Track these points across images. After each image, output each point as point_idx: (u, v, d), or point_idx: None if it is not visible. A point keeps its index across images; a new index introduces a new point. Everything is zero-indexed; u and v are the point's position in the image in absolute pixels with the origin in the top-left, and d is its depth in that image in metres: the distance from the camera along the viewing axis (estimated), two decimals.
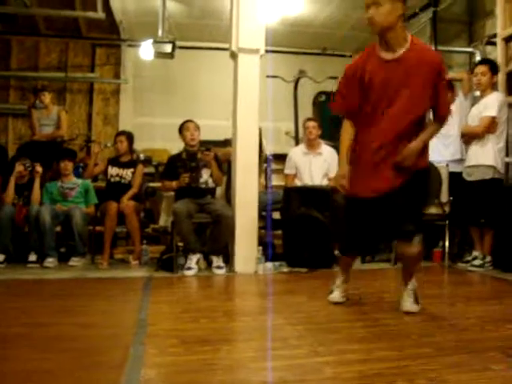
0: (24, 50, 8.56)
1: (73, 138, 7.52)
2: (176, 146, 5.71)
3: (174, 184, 5.18)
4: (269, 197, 5.46)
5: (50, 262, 5.17)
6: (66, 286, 4.27)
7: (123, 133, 5.95)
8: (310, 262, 4.98)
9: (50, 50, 8.62)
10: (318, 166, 5.67)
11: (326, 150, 5.74)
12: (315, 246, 5.05)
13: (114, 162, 5.78)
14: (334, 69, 7.74)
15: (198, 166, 5.18)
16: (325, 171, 5.64)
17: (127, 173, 5.67)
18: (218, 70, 7.46)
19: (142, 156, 7.28)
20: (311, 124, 5.75)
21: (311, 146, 5.75)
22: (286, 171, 5.82)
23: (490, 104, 5.00)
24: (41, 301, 3.62)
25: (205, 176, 5.19)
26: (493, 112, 4.95)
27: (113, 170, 5.70)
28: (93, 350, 2.38)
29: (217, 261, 4.88)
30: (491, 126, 4.98)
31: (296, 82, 8.33)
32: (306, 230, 5.07)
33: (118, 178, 5.67)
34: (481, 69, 5.15)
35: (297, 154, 5.79)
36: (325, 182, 5.59)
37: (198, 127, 5.31)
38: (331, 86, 8.33)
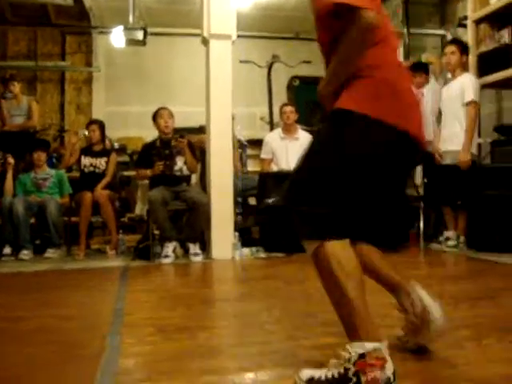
0: None
1: (45, 128, 7.42)
2: (151, 134, 5.67)
3: (148, 172, 5.16)
4: (244, 183, 5.47)
5: (26, 254, 5.12)
6: (43, 279, 4.24)
7: (95, 122, 5.88)
8: (287, 247, 5.00)
9: (18, 38, 8.44)
10: (294, 151, 5.66)
11: (303, 134, 5.77)
12: (292, 231, 5.06)
13: (87, 151, 5.72)
14: (307, 53, 7.74)
15: (172, 154, 5.16)
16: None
17: (101, 162, 5.62)
18: (192, 56, 7.39)
19: (116, 145, 7.22)
20: (288, 109, 5.76)
21: (288, 130, 5.77)
22: (263, 156, 5.83)
23: (467, 88, 5.03)
24: (18, 294, 3.58)
25: (179, 163, 5.18)
26: (472, 96, 4.98)
27: (86, 160, 5.64)
28: (71, 342, 2.37)
29: (193, 248, 4.88)
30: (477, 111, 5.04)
31: (269, 67, 8.30)
32: (281, 216, 5.08)
33: (91, 168, 5.62)
34: (450, 48, 5.19)
35: (274, 139, 5.80)
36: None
37: (171, 114, 5.28)
38: (305, 71, 8.36)
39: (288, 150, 5.69)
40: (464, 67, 5.23)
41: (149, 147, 5.33)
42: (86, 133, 5.69)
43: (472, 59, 5.53)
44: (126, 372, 1.96)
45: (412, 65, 6.07)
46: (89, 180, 5.51)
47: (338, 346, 2.16)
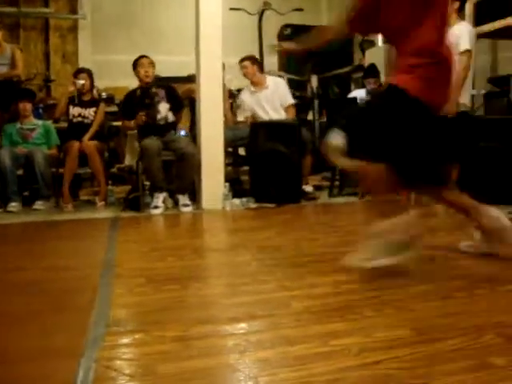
0: None
1: (30, 77, 7.23)
2: (137, 83, 5.54)
3: (132, 123, 5.11)
4: (234, 133, 5.41)
5: (14, 206, 5.05)
6: (32, 230, 4.21)
7: (83, 70, 5.73)
8: (278, 198, 4.98)
9: None
10: (268, 100, 5.62)
11: (271, 81, 5.72)
12: (282, 181, 5.05)
13: (75, 101, 5.59)
14: (299, 0, 7.56)
15: (153, 103, 5.08)
16: (278, 103, 5.61)
17: (90, 112, 5.50)
18: (181, 3, 7.22)
19: (104, 94, 7.06)
20: (244, 64, 5.66)
21: (255, 83, 5.69)
22: (240, 118, 5.73)
23: (462, 36, 4.91)
24: (7, 245, 3.57)
25: (162, 111, 5.11)
26: (467, 45, 4.87)
27: (74, 110, 5.52)
28: (61, 293, 2.37)
29: (183, 199, 4.84)
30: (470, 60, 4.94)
31: (260, 15, 8.10)
32: (273, 165, 5.05)
33: (80, 118, 5.50)
34: None
35: (246, 96, 5.72)
36: (283, 115, 5.56)
37: (152, 63, 5.18)
38: (296, 19, 8.18)
39: (261, 101, 5.61)
40: (458, 14, 5.10)
41: (130, 97, 5.26)
42: (82, 82, 5.52)
43: (469, 7, 5.41)
44: (117, 323, 1.95)
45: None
46: (77, 130, 5.40)
47: (329, 295, 2.18)
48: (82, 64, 7.87)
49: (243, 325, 1.91)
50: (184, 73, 6.34)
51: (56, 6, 8.30)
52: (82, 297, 2.29)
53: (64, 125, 5.74)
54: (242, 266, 2.81)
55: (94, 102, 5.61)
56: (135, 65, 5.17)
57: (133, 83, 5.42)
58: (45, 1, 8.27)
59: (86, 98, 5.59)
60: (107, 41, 8.38)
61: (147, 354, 1.67)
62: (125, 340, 1.81)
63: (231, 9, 6.96)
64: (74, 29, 8.47)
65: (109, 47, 8.35)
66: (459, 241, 3.02)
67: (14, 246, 3.58)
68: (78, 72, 5.67)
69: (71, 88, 5.60)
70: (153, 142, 4.83)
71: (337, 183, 5.56)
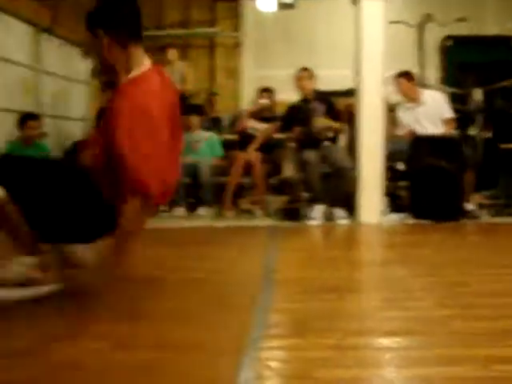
0: (149, 11, 8.82)
1: (197, 92, 7.72)
2: (297, 97, 5.69)
3: (292, 135, 5.25)
4: (393, 147, 5.33)
5: (180, 211, 5.43)
6: (195, 235, 4.48)
7: (267, 89, 6.01)
8: (437, 214, 4.82)
9: (172, 7, 8.81)
10: (425, 115, 5.41)
11: (429, 95, 5.51)
12: (443, 198, 4.88)
13: (256, 116, 5.86)
14: (462, 10, 7.27)
15: (310, 117, 5.17)
16: (437, 117, 5.40)
17: (263, 126, 5.75)
18: (338, 18, 7.30)
19: None
20: (400, 80, 5.49)
21: (411, 99, 5.52)
22: (398, 133, 5.60)
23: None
24: (172, 247, 3.82)
25: (320, 126, 5.17)
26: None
27: (250, 123, 5.80)
28: (223, 294, 2.50)
29: (340, 211, 4.88)
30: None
31: (421, 27, 7.89)
32: (434, 181, 4.91)
33: (251, 131, 5.77)
34: None
35: (402, 113, 5.56)
36: (442, 130, 5.37)
37: (312, 76, 5.26)
38: (459, 29, 7.85)
39: (418, 116, 5.43)
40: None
41: (291, 110, 5.40)
42: (265, 101, 5.80)
43: None
44: (276, 326, 2.03)
45: None
46: (245, 141, 5.68)
47: (492, 317, 2.08)
48: (244, 79, 8.27)
49: (399, 339, 1.88)
50: (342, 86, 6.39)
51: (222, 25, 8.79)
52: (242, 299, 2.41)
53: (229, 137, 6.06)
54: (399, 281, 2.77)
55: (272, 119, 5.84)
56: (296, 78, 5.31)
57: (293, 97, 5.57)
58: (212, 21, 8.81)
59: (266, 114, 5.85)
60: (268, 56, 8.68)
61: (304, 359, 1.71)
62: (283, 343, 1.88)
63: (391, 22, 6.87)
64: (237, 46, 8.90)
65: (270, 62, 8.64)
66: None
67: (179, 248, 3.81)
68: (262, 91, 5.95)
69: (254, 107, 5.90)
70: (312, 155, 4.93)
71: (501, 201, 5.25)
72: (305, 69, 5.32)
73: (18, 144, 5.53)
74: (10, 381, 1.54)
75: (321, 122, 5.13)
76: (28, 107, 6.01)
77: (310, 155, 4.94)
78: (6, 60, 5.84)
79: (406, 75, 5.59)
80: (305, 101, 5.29)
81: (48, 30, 6.72)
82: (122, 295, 2.48)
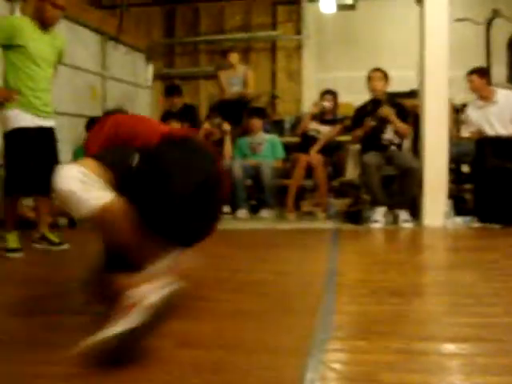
0: (211, 16, 8.97)
1: (259, 95, 7.77)
2: (360, 99, 5.64)
3: (358, 132, 5.19)
4: (457, 149, 5.22)
5: (242, 213, 5.50)
6: (258, 236, 4.53)
7: (329, 92, 5.98)
8: (505, 218, 4.68)
9: (234, 12, 8.91)
10: (496, 115, 5.28)
11: (502, 95, 5.35)
12: (509, 201, 4.72)
13: (317, 118, 5.86)
14: None
15: (381, 125, 5.12)
16: (508, 118, 5.23)
17: (326, 129, 5.75)
18: (401, 18, 7.17)
19: None
20: (472, 78, 5.38)
21: (483, 97, 5.38)
22: (464, 134, 5.46)
23: None
24: (236, 249, 3.89)
25: (389, 133, 5.11)
26: None
27: (313, 125, 5.81)
28: (287, 296, 2.53)
29: (403, 214, 4.82)
30: None
31: (488, 24, 7.66)
32: (501, 184, 4.76)
33: (313, 133, 5.78)
34: None
35: (472, 111, 5.44)
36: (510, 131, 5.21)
37: (383, 77, 5.20)
38: None
39: (489, 116, 5.31)
40: None
41: (361, 110, 5.36)
42: (326, 104, 5.80)
43: None
44: (340, 328, 2.03)
45: None
46: (307, 143, 5.69)
47: None
48: (305, 81, 8.27)
49: (468, 346, 1.84)
50: (405, 87, 6.29)
51: (283, 28, 8.82)
52: (306, 301, 2.43)
53: (291, 139, 6.08)
54: (466, 286, 2.70)
55: (334, 121, 5.85)
56: (367, 78, 5.27)
57: (356, 99, 5.54)
58: (272, 25, 8.85)
59: (328, 117, 5.85)
60: (329, 58, 8.64)
61: (369, 362, 1.71)
62: (348, 346, 1.88)
63: (457, 20, 6.71)
64: (298, 48, 8.90)
65: (331, 65, 8.60)
66: None
67: (243, 249, 3.87)
68: (324, 93, 5.95)
69: (315, 109, 5.90)
70: (373, 158, 4.89)
71: None
72: (377, 69, 5.27)
73: None
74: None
75: (386, 111, 5.05)
76: (95, 112, 6.22)
77: (370, 158, 4.89)
78: (77, 68, 6.09)
79: (478, 71, 5.44)
80: (374, 101, 5.23)
81: (114, 38, 6.97)
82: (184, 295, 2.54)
